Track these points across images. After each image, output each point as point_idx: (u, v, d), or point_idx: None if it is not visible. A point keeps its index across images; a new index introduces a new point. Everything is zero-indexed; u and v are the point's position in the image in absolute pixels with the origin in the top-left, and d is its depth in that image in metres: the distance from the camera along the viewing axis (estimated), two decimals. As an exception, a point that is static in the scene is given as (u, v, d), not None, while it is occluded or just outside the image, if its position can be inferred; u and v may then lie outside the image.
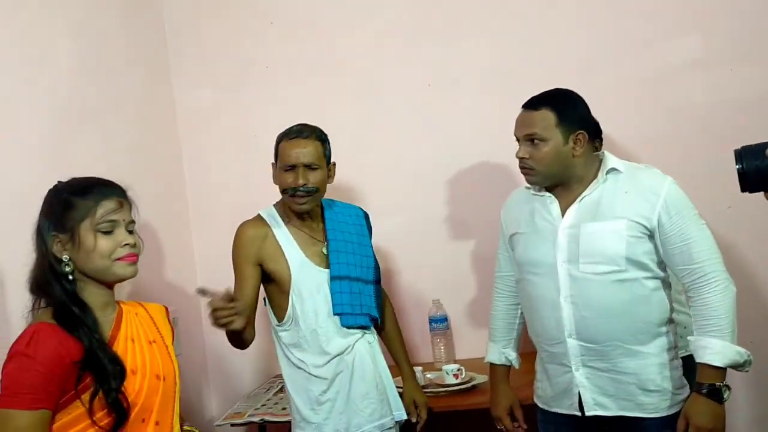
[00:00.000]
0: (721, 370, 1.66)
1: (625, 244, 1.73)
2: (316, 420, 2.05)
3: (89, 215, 1.42)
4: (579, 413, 1.82)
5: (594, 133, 2.31)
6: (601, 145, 2.35)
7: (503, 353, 2.05)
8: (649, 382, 1.75)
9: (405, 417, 2.17)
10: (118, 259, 1.43)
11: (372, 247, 2.25)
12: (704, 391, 1.67)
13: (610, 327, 1.75)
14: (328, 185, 2.13)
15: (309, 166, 2.03)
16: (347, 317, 2.07)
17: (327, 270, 2.08)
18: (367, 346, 2.12)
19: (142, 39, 2.89)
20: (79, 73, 2.38)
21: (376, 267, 2.23)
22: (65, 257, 1.41)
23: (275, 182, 2.11)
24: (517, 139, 1.88)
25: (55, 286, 1.39)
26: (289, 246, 2.07)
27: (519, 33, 2.85)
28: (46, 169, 1.89)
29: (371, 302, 2.15)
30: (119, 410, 1.36)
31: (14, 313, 1.55)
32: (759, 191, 1.06)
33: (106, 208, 1.44)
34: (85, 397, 1.33)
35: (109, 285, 1.48)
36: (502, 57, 2.85)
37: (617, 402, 1.77)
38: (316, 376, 2.06)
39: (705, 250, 1.70)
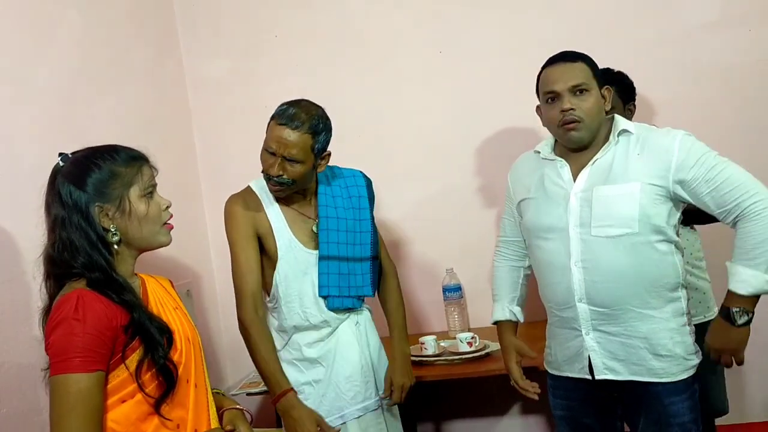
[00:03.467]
0: (745, 298, 1.65)
1: (638, 207, 1.69)
2: None
3: (136, 182, 1.40)
4: (589, 377, 1.82)
5: (627, 94, 2.29)
6: (634, 107, 2.33)
7: (507, 308, 2.02)
8: (660, 347, 1.73)
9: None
10: (164, 224, 1.44)
11: (372, 219, 2.12)
12: (722, 314, 1.68)
13: (621, 291, 1.73)
14: (324, 168, 2.00)
15: (290, 159, 1.88)
16: (333, 299, 1.99)
17: (315, 252, 1.99)
18: (353, 327, 2.05)
19: (151, 9, 2.87)
20: (88, 44, 2.37)
21: (375, 242, 2.10)
22: (112, 227, 1.37)
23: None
24: (552, 97, 1.79)
25: (97, 257, 1.34)
26: (279, 224, 1.98)
27: (533, -4, 2.80)
28: (58, 141, 1.89)
29: (364, 281, 2.05)
30: (168, 376, 1.36)
31: (32, 290, 1.55)
32: None
33: (147, 173, 1.43)
34: (131, 361, 1.32)
35: (139, 254, 1.47)
36: (518, 20, 2.80)
37: (628, 366, 1.76)
38: (298, 359, 2.01)
39: (736, 187, 1.64)
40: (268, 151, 1.91)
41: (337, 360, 2.00)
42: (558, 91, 1.77)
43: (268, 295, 2.02)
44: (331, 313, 2.00)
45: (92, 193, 1.35)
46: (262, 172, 1.94)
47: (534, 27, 2.77)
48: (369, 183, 2.17)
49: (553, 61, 1.82)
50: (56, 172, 1.40)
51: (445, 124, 2.88)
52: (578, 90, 1.76)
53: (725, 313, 1.67)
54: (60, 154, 1.42)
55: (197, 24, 3.03)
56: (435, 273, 2.91)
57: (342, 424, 1.99)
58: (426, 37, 2.88)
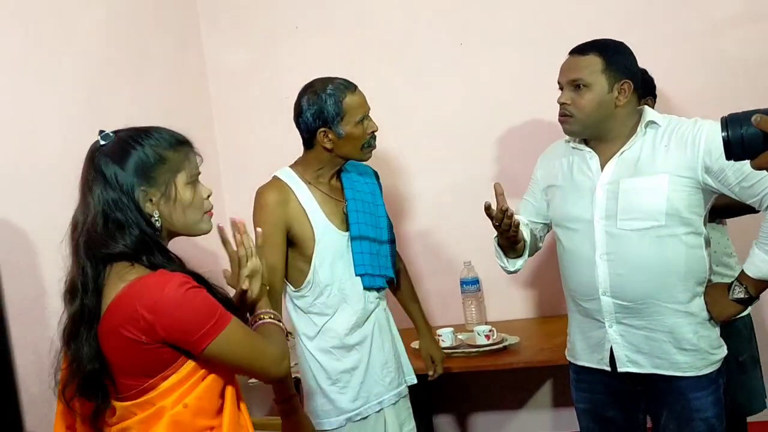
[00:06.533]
0: (751, 279, 1.70)
1: (665, 200, 1.69)
2: (334, 390, 1.97)
3: (184, 167, 1.36)
4: (608, 368, 1.82)
5: (646, 89, 2.26)
6: (654, 102, 2.30)
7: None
8: (684, 341, 1.72)
9: (416, 381, 2.14)
10: (206, 212, 1.41)
11: (384, 206, 2.16)
12: (729, 282, 1.75)
13: (646, 284, 1.72)
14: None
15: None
16: (369, 278, 2.01)
17: (346, 233, 2.01)
18: (383, 313, 2.07)
19: (172, 1, 2.88)
20: (111, 35, 2.39)
21: (390, 226, 2.16)
22: (156, 213, 1.32)
23: (341, 141, 1.95)
24: (560, 87, 1.83)
25: (151, 244, 1.31)
26: (313, 208, 1.98)
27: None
28: (81, 131, 1.91)
29: (387, 263, 2.10)
30: None
31: (54, 276, 1.54)
32: (743, 159, 1.06)
33: (194, 160, 1.39)
34: None
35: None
36: (540, 12, 2.78)
37: (651, 360, 1.76)
38: (334, 347, 1.98)
39: (765, 177, 1.61)
40: (364, 119, 1.97)
41: (373, 347, 2.01)
42: (561, 83, 1.83)
43: (297, 286, 2.00)
44: (367, 293, 2.01)
45: (137, 177, 1.31)
46: (362, 145, 1.97)
47: (555, 18, 2.75)
48: (377, 174, 2.22)
49: (570, 51, 1.84)
50: (95, 150, 1.33)
51: (466, 115, 2.87)
52: (576, 85, 1.77)
53: (730, 282, 1.74)
54: (100, 132, 1.35)
55: (218, 15, 3.04)
56: (453, 266, 2.90)
57: (379, 411, 1.99)
58: (447, 28, 2.87)
